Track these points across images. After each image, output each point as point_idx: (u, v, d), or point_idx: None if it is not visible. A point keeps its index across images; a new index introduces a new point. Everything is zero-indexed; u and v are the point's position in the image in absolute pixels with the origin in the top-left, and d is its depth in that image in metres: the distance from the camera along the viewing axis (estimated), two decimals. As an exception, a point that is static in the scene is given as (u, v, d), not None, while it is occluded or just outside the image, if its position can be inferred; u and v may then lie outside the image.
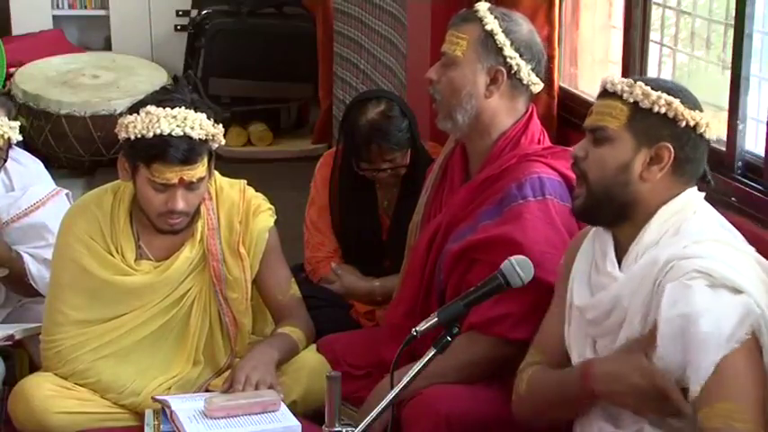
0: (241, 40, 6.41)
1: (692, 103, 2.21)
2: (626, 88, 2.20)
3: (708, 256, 2.07)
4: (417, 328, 2.19)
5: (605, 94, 2.25)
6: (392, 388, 2.17)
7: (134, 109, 2.82)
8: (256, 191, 3.09)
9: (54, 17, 7.23)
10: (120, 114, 2.96)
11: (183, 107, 2.79)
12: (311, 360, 3.00)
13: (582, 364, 2.25)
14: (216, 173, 2.98)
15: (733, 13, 2.82)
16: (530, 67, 2.74)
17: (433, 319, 2.21)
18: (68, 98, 6.00)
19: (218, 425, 2.72)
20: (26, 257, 3.34)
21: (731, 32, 2.83)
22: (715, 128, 2.23)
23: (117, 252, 2.93)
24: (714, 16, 3.10)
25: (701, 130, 2.20)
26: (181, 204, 2.81)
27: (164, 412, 2.81)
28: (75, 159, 6.04)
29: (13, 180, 3.47)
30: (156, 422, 2.80)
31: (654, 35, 3.31)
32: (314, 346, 3.06)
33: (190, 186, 2.81)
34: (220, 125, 2.86)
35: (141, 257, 2.95)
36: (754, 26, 2.75)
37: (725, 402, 1.99)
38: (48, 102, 5.97)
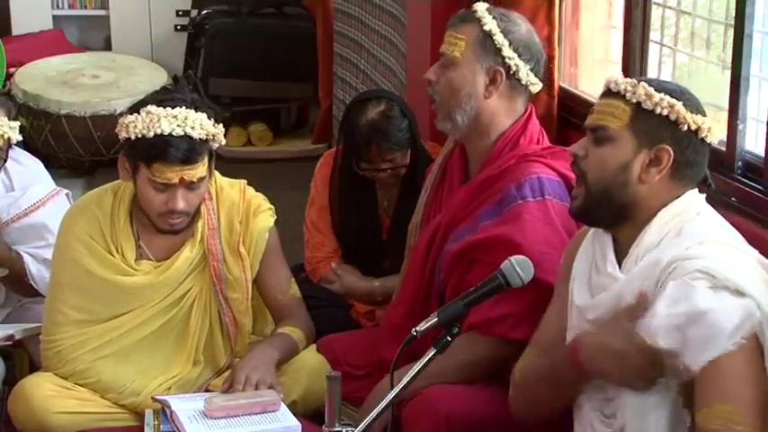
0: (241, 40, 6.41)
1: (695, 107, 2.20)
2: (629, 88, 2.20)
3: (711, 257, 2.07)
4: (417, 328, 2.19)
5: (608, 93, 2.24)
6: (392, 388, 2.17)
7: (135, 109, 2.82)
8: (256, 191, 3.09)
9: (54, 17, 7.22)
10: (121, 114, 2.96)
11: (184, 107, 2.79)
12: (311, 360, 3.00)
13: (571, 341, 2.25)
14: (216, 173, 2.98)
15: (733, 13, 2.82)
16: (528, 67, 2.74)
17: (433, 320, 2.21)
18: (68, 98, 5.99)
19: (218, 425, 2.72)
20: (26, 257, 3.34)
21: (731, 32, 2.83)
22: (716, 131, 2.23)
23: (117, 252, 2.93)
24: (714, 16, 3.10)
25: (703, 135, 2.19)
26: (181, 204, 2.81)
27: (164, 412, 2.81)
28: (75, 159, 6.04)
29: (13, 180, 3.47)
30: (156, 422, 2.80)
31: (654, 35, 3.31)
32: (314, 346, 3.06)
33: (190, 186, 2.81)
34: (221, 125, 2.86)
35: (141, 257, 2.95)
36: (754, 26, 2.75)
37: (724, 404, 1.99)
38: (48, 102, 5.97)
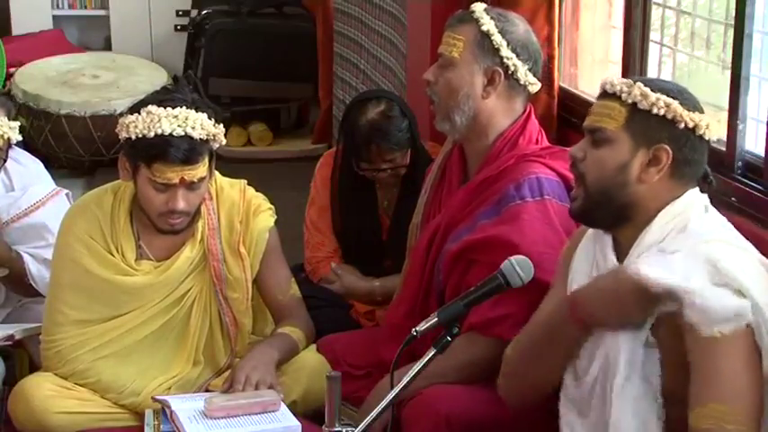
0: (241, 40, 6.41)
1: (692, 105, 2.19)
2: (625, 89, 2.19)
3: (717, 254, 2.07)
4: (417, 328, 2.20)
5: (605, 94, 2.24)
6: (392, 388, 2.18)
7: (135, 109, 2.82)
8: (256, 191, 3.09)
9: (54, 17, 7.23)
10: (121, 114, 2.97)
11: (184, 107, 2.79)
12: (311, 360, 3.00)
13: (568, 298, 2.24)
14: (216, 173, 2.98)
15: (733, 13, 2.82)
16: (527, 67, 2.74)
17: (433, 320, 2.21)
18: (68, 98, 5.99)
19: (218, 425, 2.72)
20: (26, 257, 3.34)
21: (731, 32, 2.83)
22: (715, 128, 2.22)
23: (117, 252, 2.93)
24: (714, 16, 3.10)
25: (701, 132, 2.18)
26: (181, 204, 2.81)
27: (164, 412, 2.81)
28: (75, 159, 6.04)
29: (13, 180, 3.47)
30: (156, 422, 2.80)
31: (654, 35, 3.31)
32: (314, 346, 3.06)
33: (191, 186, 2.81)
34: (221, 125, 2.86)
35: (141, 257, 2.96)
36: (754, 26, 2.75)
37: (718, 404, 1.98)
38: (48, 102, 5.97)
